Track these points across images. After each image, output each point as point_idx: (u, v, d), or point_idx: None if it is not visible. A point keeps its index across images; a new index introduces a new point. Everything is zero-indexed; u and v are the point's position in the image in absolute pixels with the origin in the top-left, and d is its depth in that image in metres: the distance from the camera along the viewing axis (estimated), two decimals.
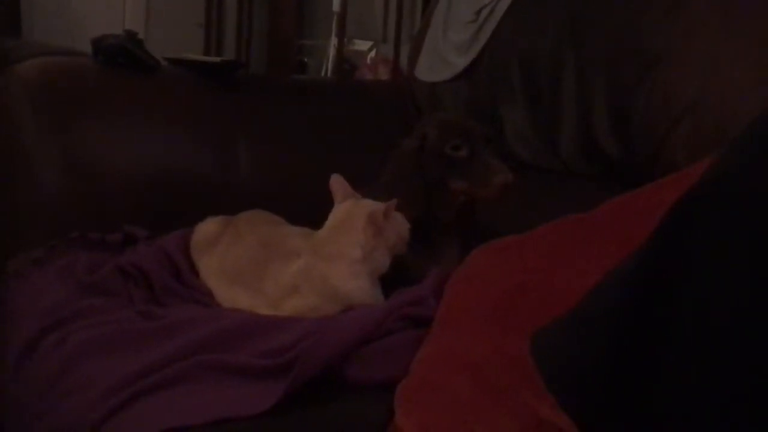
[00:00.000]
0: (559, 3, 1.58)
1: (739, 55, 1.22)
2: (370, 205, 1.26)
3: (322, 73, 3.65)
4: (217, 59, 2.03)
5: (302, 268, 1.24)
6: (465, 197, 1.35)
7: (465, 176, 1.33)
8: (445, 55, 1.89)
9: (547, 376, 0.68)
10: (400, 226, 1.26)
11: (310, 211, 1.30)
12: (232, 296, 1.29)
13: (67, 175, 1.61)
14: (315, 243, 1.26)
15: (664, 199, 0.66)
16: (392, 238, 1.25)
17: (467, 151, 1.33)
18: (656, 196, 0.87)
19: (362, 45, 3.74)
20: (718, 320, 0.56)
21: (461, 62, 1.82)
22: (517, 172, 1.34)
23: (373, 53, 3.71)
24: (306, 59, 4.02)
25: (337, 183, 1.31)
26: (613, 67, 1.42)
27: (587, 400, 0.64)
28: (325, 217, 1.30)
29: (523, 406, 0.75)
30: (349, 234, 1.24)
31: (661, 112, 1.32)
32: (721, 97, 1.23)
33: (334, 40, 3.46)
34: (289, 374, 0.96)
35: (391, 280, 1.25)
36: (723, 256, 0.57)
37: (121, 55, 1.75)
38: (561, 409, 0.66)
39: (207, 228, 1.43)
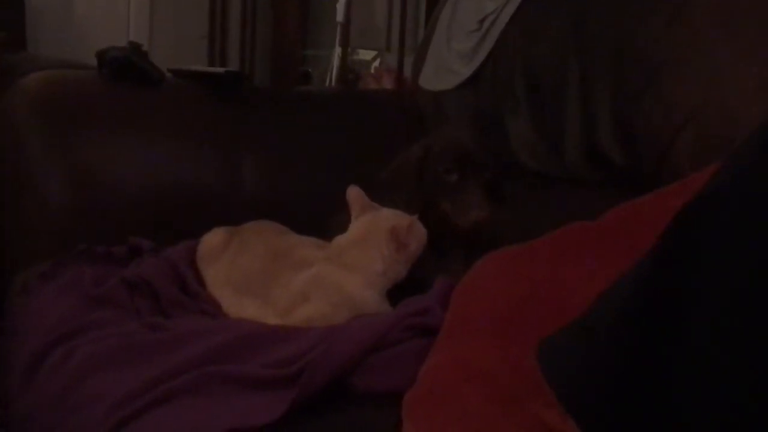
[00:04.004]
0: (562, 11, 1.59)
1: (741, 62, 1.23)
2: (391, 218, 1.26)
3: (326, 84, 3.65)
4: (222, 70, 2.03)
5: (314, 276, 1.24)
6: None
7: (449, 199, 1.34)
8: (449, 63, 1.90)
9: (555, 385, 0.68)
10: (419, 234, 1.26)
11: (316, 221, 1.30)
12: (239, 306, 1.29)
13: (72, 189, 1.62)
14: (331, 252, 1.26)
15: (670, 206, 0.66)
16: (413, 249, 1.25)
17: (457, 176, 1.33)
18: (661, 203, 0.87)
19: (366, 54, 3.74)
20: (726, 327, 0.56)
21: (465, 71, 1.82)
22: (507, 202, 1.33)
23: (377, 63, 3.71)
24: (310, 69, 4.02)
25: (354, 195, 1.31)
26: (617, 75, 1.42)
27: (596, 408, 0.64)
28: (330, 227, 1.30)
29: (531, 416, 0.75)
30: (371, 247, 1.24)
31: (664, 119, 1.32)
32: (723, 104, 1.23)
33: (337, 50, 3.46)
34: (297, 384, 0.96)
35: (397, 289, 1.25)
36: (729, 264, 0.57)
37: (126, 67, 1.75)
38: (570, 417, 0.66)
39: (213, 238, 1.43)
